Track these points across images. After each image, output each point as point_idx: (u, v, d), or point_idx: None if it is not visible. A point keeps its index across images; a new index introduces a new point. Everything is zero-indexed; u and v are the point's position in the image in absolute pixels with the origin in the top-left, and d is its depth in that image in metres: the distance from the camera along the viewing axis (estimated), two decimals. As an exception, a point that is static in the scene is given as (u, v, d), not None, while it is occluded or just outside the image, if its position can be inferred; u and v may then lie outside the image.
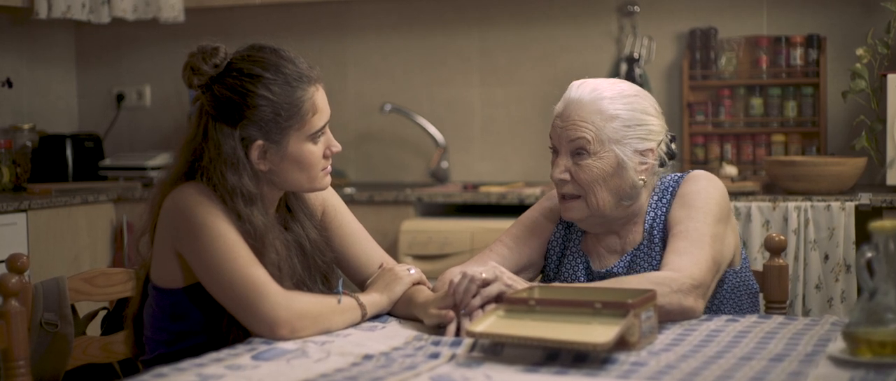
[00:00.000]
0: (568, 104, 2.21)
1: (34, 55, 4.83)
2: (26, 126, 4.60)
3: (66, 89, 5.02)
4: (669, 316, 2.03)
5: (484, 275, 2.01)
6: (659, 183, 2.29)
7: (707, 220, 2.16)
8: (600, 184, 2.19)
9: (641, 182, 2.22)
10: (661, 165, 2.26)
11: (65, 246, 4.05)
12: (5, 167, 4.39)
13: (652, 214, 2.27)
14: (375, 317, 2.14)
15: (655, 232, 2.25)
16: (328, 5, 4.72)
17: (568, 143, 2.19)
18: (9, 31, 4.67)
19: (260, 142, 2.04)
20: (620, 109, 2.19)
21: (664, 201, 2.26)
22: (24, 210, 3.86)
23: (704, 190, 2.22)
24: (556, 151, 2.23)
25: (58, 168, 4.58)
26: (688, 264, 2.07)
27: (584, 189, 2.20)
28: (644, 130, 2.21)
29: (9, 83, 4.53)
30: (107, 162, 4.65)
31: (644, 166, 2.22)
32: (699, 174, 2.27)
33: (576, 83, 2.24)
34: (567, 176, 2.20)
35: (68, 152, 4.58)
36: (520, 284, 2.02)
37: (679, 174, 2.30)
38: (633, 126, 2.20)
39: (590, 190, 2.19)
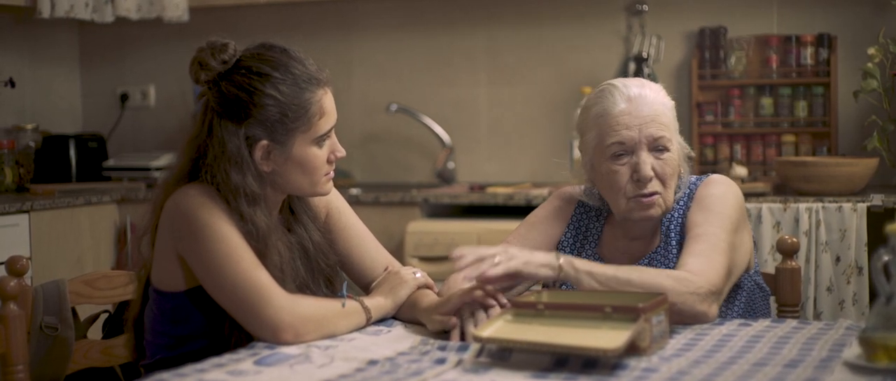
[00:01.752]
0: (633, 100, 2.17)
1: (37, 55, 4.82)
2: (29, 126, 4.60)
3: (69, 89, 5.02)
4: (682, 317, 2.01)
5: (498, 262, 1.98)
6: (679, 185, 2.27)
7: (725, 226, 2.14)
8: (673, 178, 2.20)
9: (683, 175, 2.24)
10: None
11: (68, 248, 4.04)
12: (8, 168, 4.39)
13: (668, 217, 2.25)
14: (380, 321, 2.11)
15: (672, 235, 2.24)
16: (334, 4, 4.72)
17: (649, 140, 2.17)
18: (11, 31, 4.67)
19: (265, 142, 2.02)
20: (669, 100, 2.23)
21: (682, 203, 2.25)
22: (27, 211, 3.84)
23: (724, 195, 2.20)
24: (629, 150, 2.18)
25: (61, 169, 4.57)
26: (707, 268, 2.05)
27: (664, 184, 2.19)
28: (677, 123, 2.25)
29: (11, 83, 4.53)
30: (110, 163, 4.65)
31: (687, 156, 2.25)
32: (719, 178, 2.26)
33: (623, 81, 2.21)
34: (653, 173, 2.18)
35: (72, 153, 4.58)
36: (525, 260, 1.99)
37: (696, 177, 2.29)
38: (675, 117, 2.23)
39: (668, 183, 2.19)
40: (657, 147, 2.17)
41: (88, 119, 5.06)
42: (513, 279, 2.00)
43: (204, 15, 4.69)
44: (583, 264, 2.00)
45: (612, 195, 2.21)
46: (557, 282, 2.07)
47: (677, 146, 2.20)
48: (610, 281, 1.99)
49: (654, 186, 2.17)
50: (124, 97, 4.99)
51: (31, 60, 4.78)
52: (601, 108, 2.19)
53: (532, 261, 1.98)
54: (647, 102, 2.17)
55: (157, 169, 4.44)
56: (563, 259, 1.99)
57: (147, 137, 4.94)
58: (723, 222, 2.14)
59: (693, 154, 2.26)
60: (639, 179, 2.16)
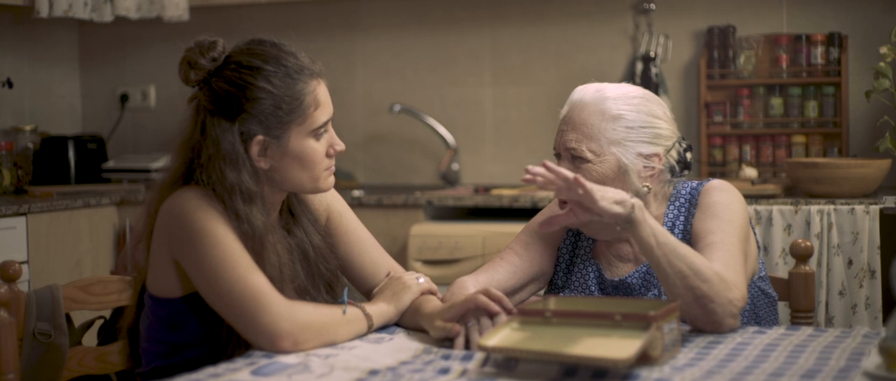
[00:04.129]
0: (571, 108, 2.18)
1: (36, 55, 4.82)
2: (28, 127, 4.59)
3: (68, 90, 5.02)
4: (705, 317, 1.96)
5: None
6: (675, 191, 2.24)
7: (737, 234, 2.11)
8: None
9: (646, 189, 2.17)
10: (672, 174, 2.21)
11: (66, 251, 4.02)
12: (6, 170, 4.38)
13: (670, 223, 2.21)
14: (382, 328, 2.08)
15: None
16: (337, 3, 4.72)
17: (566, 148, 2.16)
18: (10, 30, 4.67)
19: (260, 137, 2.00)
20: (624, 109, 2.15)
21: (683, 209, 2.22)
22: (24, 214, 3.83)
23: (730, 203, 2.16)
24: (558, 156, 2.18)
25: (60, 170, 4.57)
26: (739, 280, 2.01)
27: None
28: (649, 133, 2.16)
29: (9, 83, 4.53)
30: (110, 164, 4.66)
31: (649, 172, 2.16)
32: (722, 184, 2.21)
33: (581, 87, 2.21)
34: None
35: (71, 154, 4.58)
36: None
37: (696, 182, 2.24)
38: (637, 128, 2.15)
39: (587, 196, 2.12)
40: (575, 157, 2.14)
41: (88, 120, 5.06)
42: (585, 215, 1.96)
43: (205, 14, 4.69)
44: (651, 218, 1.98)
45: None
46: (620, 223, 1.99)
47: (619, 159, 2.13)
48: (666, 246, 1.96)
49: (564, 194, 2.11)
50: (124, 98, 5.00)
51: (30, 60, 4.78)
52: None
53: (606, 196, 1.94)
54: (582, 108, 2.15)
55: (158, 171, 4.45)
56: (636, 200, 1.96)
57: (147, 139, 4.94)
58: (736, 231, 2.11)
59: (664, 167, 2.17)
60: None
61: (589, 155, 2.13)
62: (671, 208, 2.22)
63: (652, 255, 1.97)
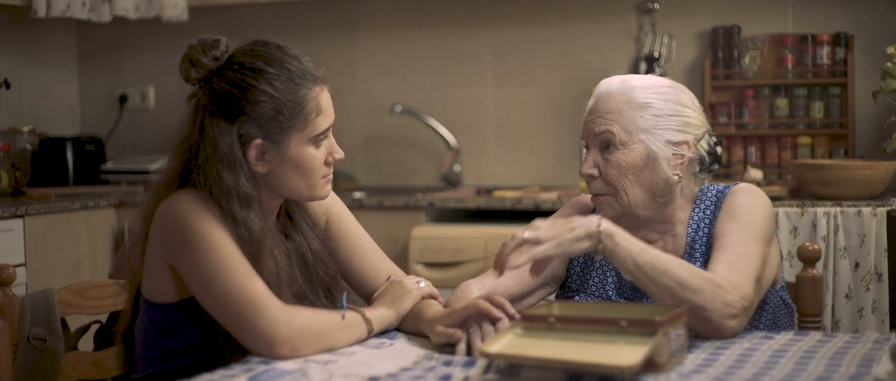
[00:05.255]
0: (597, 98, 2.17)
1: (34, 55, 4.82)
2: (26, 128, 4.58)
3: (67, 90, 5.01)
4: (706, 327, 1.94)
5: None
6: (701, 193, 2.22)
7: (756, 237, 2.08)
8: (630, 178, 2.12)
9: (676, 178, 2.14)
10: (702, 167, 2.18)
11: (64, 253, 4.01)
12: (4, 171, 4.36)
13: (694, 225, 2.19)
14: (382, 333, 2.05)
15: (697, 245, 2.18)
16: (337, 3, 4.71)
17: (594, 137, 2.15)
18: (8, 31, 4.66)
19: (259, 140, 1.97)
20: (651, 97, 2.14)
21: (708, 212, 2.19)
22: (21, 216, 3.81)
23: (754, 205, 2.14)
24: (586, 147, 2.18)
25: (58, 172, 4.56)
26: (741, 280, 1.98)
27: (613, 185, 2.14)
28: (678, 121, 2.14)
29: (7, 84, 4.51)
30: (109, 166, 4.66)
31: (679, 161, 2.14)
32: (748, 187, 2.19)
33: (607, 79, 2.21)
34: (595, 171, 2.15)
35: (69, 156, 4.58)
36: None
37: (723, 186, 2.23)
38: (665, 116, 2.13)
39: (620, 185, 2.13)
40: (604, 145, 2.14)
41: (86, 121, 5.06)
42: (546, 262, 1.96)
43: (204, 14, 4.68)
44: (625, 241, 1.94)
45: None
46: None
47: (648, 147, 2.12)
48: (646, 266, 1.92)
49: (597, 186, 2.15)
50: (123, 98, 4.99)
51: (28, 61, 4.77)
52: None
53: (565, 239, 1.91)
54: (608, 98, 2.14)
55: (157, 172, 4.45)
56: (604, 226, 1.93)
57: (146, 140, 4.94)
58: (754, 233, 2.08)
59: (693, 156, 2.14)
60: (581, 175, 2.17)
61: (619, 142, 2.12)
62: (696, 210, 2.20)
63: (634, 277, 1.94)
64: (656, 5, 4.29)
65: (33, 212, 3.84)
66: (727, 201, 2.15)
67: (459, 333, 1.92)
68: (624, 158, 2.12)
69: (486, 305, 1.92)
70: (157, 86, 4.94)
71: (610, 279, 2.22)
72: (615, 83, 2.16)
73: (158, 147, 4.84)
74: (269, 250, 1.97)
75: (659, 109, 2.12)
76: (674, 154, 2.13)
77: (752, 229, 2.08)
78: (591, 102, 2.18)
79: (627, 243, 1.94)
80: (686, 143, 2.14)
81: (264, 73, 1.96)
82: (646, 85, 2.15)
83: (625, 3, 4.36)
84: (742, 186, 2.19)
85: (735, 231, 2.07)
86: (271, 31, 4.54)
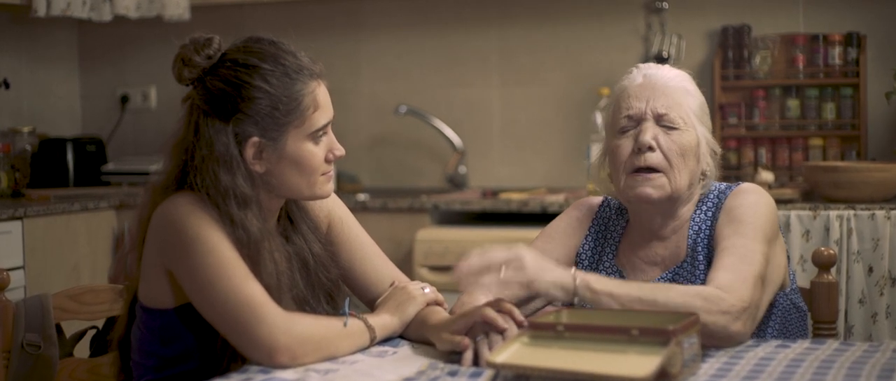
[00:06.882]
0: (649, 77, 2.17)
1: (35, 55, 4.81)
2: (26, 129, 4.57)
3: (67, 90, 5.00)
4: (713, 339, 1.90)
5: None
6: (703, 194, 2.20)
7: (756, 236, 2.05)
8: (683, 160, 2.13)
9: (707, 171, 2.17)
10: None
11: (63, 256, 3.99)
12: (3, 172, 4.34)
13: (696, 227, 2.17)
14: (386, 341, 2.02)
15: (699, 248, 2.15)
16: (340, 2, 4.71)
17: (655, 113, 2.13)
18: (8, 30, 4.64)
19: (255, 138, 1.95)
20: (693, 88, 2.18)
21: (710, 213, 2.17)
22: (20, 218, 3.78)
23: (754, 204, 2.11)
24: (636, 122, 2.14)
25: (58, 173, 4.56)
26: (737, 283, 1.95)
27: (669, 162, 2.13)
28: (708, 116, 2.20)
29: (6, 84, 4.50)
30: (110, 167, 4.65)
31: (712, 155, 2.18)
32: (750, 187, 2.17)
33: (641, 65, 2.22)
34: (655, 143, 2.13)
35: (69, 157, 4.57)
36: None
37: (726, 185, 2.21)
38: (703, 107, 2.19)
39: (675, 164, 2.13)
40: (665, 123, 2.12)
41: (87, 121, 5.05)
42: (523, 290, 1.94)
43: (206, 13, 4.67)
44: (601, 284, 1.91)
45: (616, 175, 2.17)
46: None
47: (698, 134, 2.14)
48: (633, 302, 1.89)
49: (655, 159, 2.11)
50: (125, 99, 4.99)
51: (29, 61, 4.76)
52: (621, 85, 2.19)
53: (543, 279, 1.90)
54: (663, 80, 2.16)
55: (156, 173, 4.39)
56: (580, 279, 1.90)
57: (148, 141, 4.93)
58: (754, 233, 2.05)
59: (718, 149, 2.20)
60: (639, 149, 2.12)
61: (680, 123, 2.12)
62: (698, 212, 2.18)
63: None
64: (665, 4, 4.28)
65: (32, 214, 3.82)
66: (727, 202, 2.14)
67: (467, 340, 1.88)
68: (684, 139, 2.12)
69: (492, 314, 1.88)
70: (158, 86, 4.94)
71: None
72: (665, 68, 2.18)
73: (160, 148, 4.72)
74: (268, 252, 1.94)
75: (702, 103, 2.18)
76: (709, 147, 2.16)
77: (753, 228, 2.06)
78: (638, 79, 2.16)
79: (607, 286, 1.91)
80: (713, 140, 2.19)
81: (259, 69, 1.94)
82: (688, 77, 2.19)
83: (633, 2, 4.35)
84: (743, 185, 2.18)
85: (734, 233, 2.05)
86: (274, 31, 4.50)
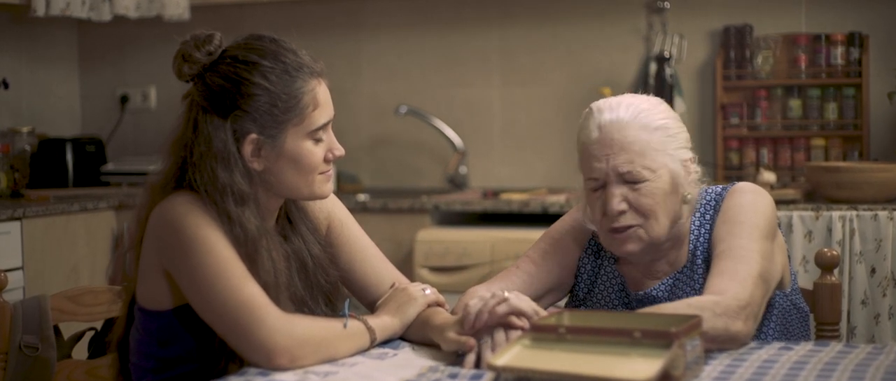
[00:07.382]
0: (604, 130, 2.05)
1: (34, 55, 4.79)
2: (25, 129, 4.56)
3: (67, 90, 5.00)
4: (716, 343, 1.89)
5: (507, 297, 1.88)
6: (700, 197, 2.16)
7: (752, 235, 2.03)
8: (660, 206, 2.05)
9: (689, 196, 2.10)
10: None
11: (62, 257, 3.97)
12: (2, 173, 4.33)
13: (695, 233, 2.14)
14: (386, 342, 2.01)
15: (699, 253, 2.13)
16: (341, 2, 4.70)
17: (618, 173, 2.04)
18: (7, 30, 4.63)
19: (254, 135, 1.94)
20: (661, 119, 2.06)
21: (707, 217, 2.14)
22: (19, 218, 3.77)
23: (750, 203, 2.09)
24: (601, 183, 2.07)
25: (57, 173, 4.54)
26: (732, 284, 1.94)
27: (643, 215, 2.05)
28: (683, 138, 2.10)
29: (5, 84, 4.49)
30: (109, 167, 4.64)
31: (690, 177, 2.10)
32: (746, 186, 2.14)
33: (600, 105, 2.09)
34: (625, 206, 2.05)
35: (69, 157, 4.56)
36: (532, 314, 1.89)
37: (721, 187, 2.17)
38: (674, 135, 2.07)
39: (652, 216, 2.05)
40: (630, 179, 2.04)
41: (87, 122, 5.04)
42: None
43: (206, 13, 4.67)
44: None
45: (595, 227, 2.12)
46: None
47: (670, 171, 2.05)
48: None
49: (628, 219, 2.05)
50: (124, 99, 4.98)
51: (28, 60, 4.75)
52: (581, 136, 2.09)
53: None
54: (619, 129, 2.03)
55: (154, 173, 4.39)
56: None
57: (148, 141, 4.92)
58: (750, 232, 2.03)
59: (696, 168, 2.11)
60: (607, 214, 2.05)
61: (646, 174, 2.03)
62: (696, 216, 2.15)
63: None
64: (666, 4, 4.28)
65: (32, 214, 3.80)
66: (724, 204, 2.11)
67: (472, 341, 1.87)
68: (654, 188, 2.04)
69: (502, 309, 1.87)
70: (158, 86, 4.93)
71: (615, 289, 2.19)
72: (620, 111, 2.06)
73: (160, 148, 4.78)
74: (266, 251, 1.93)
75: (671, 129, 2.07)
76: (686, 172, 2.08)
77: (748, 227, 2.03)
78: (594, 133, 2.06)
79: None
80: (691, 159, 2.10)
81: (258, 66, 1.93)
82: (649, 107, 2.07)
83: (634, 1, 4.34)
84: (738, 185, 2.14)
85: (729, 234, 2.03)
86: (274, 31, 4.52)
